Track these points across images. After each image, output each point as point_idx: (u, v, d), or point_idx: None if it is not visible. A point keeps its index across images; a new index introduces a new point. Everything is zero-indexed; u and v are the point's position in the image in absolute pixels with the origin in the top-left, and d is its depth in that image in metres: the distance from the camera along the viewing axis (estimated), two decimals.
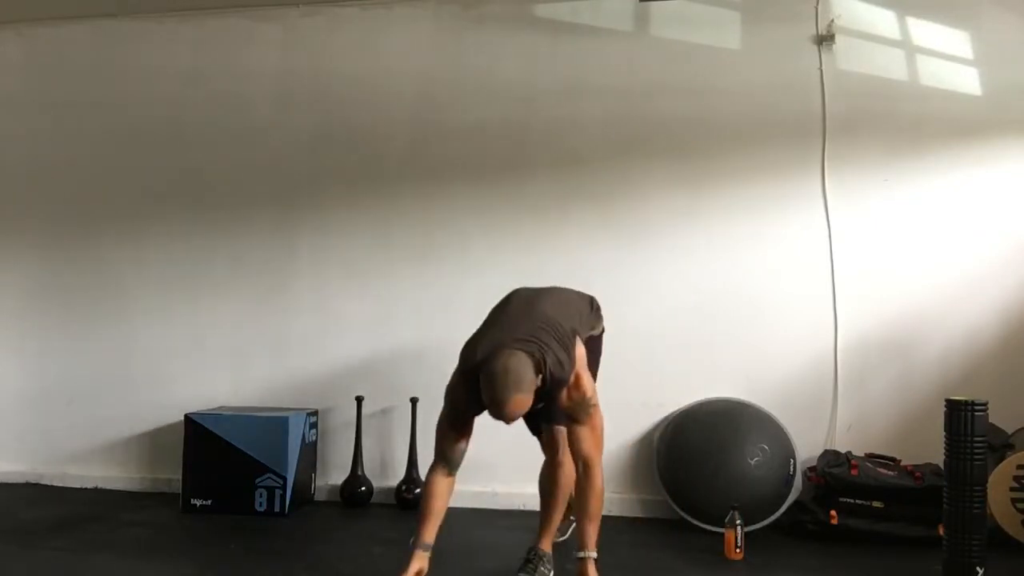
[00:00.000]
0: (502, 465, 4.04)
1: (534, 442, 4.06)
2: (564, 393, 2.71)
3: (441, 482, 2.79)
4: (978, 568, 2.71)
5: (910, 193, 3.91)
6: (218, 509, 3.87)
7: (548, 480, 3.08)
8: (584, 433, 2.76)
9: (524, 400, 2.55)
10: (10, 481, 4.40)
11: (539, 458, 4.09)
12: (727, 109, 4.03)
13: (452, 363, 2.88)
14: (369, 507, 4.06)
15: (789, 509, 3.66)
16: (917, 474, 3.49)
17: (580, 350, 2.78)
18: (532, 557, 3.00)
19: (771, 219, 4.00)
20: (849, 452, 3.69)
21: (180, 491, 3.95)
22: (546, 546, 3.03)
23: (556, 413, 2.87)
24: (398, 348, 4.16)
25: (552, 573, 2.99)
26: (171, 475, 4.15)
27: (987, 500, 2.82)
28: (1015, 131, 3.84)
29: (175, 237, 4.45)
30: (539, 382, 2.60)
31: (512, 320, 2.78)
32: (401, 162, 4.29)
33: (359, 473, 4.09)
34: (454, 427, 2.80)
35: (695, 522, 3.68)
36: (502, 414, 2.57)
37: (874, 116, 3.94)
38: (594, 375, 2.93)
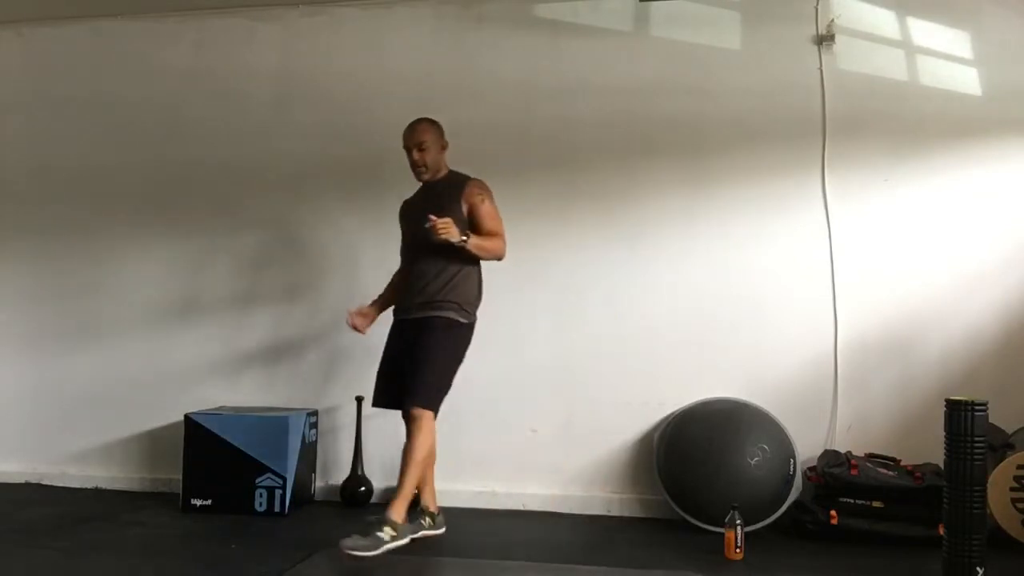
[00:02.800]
0: (501, 465, 4.05)
1: (533, 442, 4.09)
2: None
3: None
4: (978, 568, 2.71)
5: (910, 193, 3.91)
6: (218, 509, 3.87)
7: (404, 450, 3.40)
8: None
9: (431, 131, 3.51)
10: (10, 481, 4.40)
11: (538, 458, 4.12)
12: (727, 109, 4.03)
13: None
14: (369, 507, 4.05)
15: (789, 509, 3.66)
16: (917, 474, 3.49)
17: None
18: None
19: (771, 219, 4.00)
20: (849, 452, 3.69)
21: (180, 491, 3.94)
22: (396, 515, 3.24)
23: (412, 386, 3.34)
24: None
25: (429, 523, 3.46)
26: (171, 475, 4.15)
27: (987, 500, 2.81)
28: (1015, 131, 3.84)
29: (175, 237, 4.45)
30: (445, 141, 3.56)
31: None
32: (400, 162, 4.25)
33: (359, 473, 4.10)
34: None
35: (695, 522, 3.68)
36: (411, 128, 3.52)
37: (874, 116, 3.94)
38: (453, 370, 3.43)
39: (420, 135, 3.50)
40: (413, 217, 3.50)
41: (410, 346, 3.40)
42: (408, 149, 3.51)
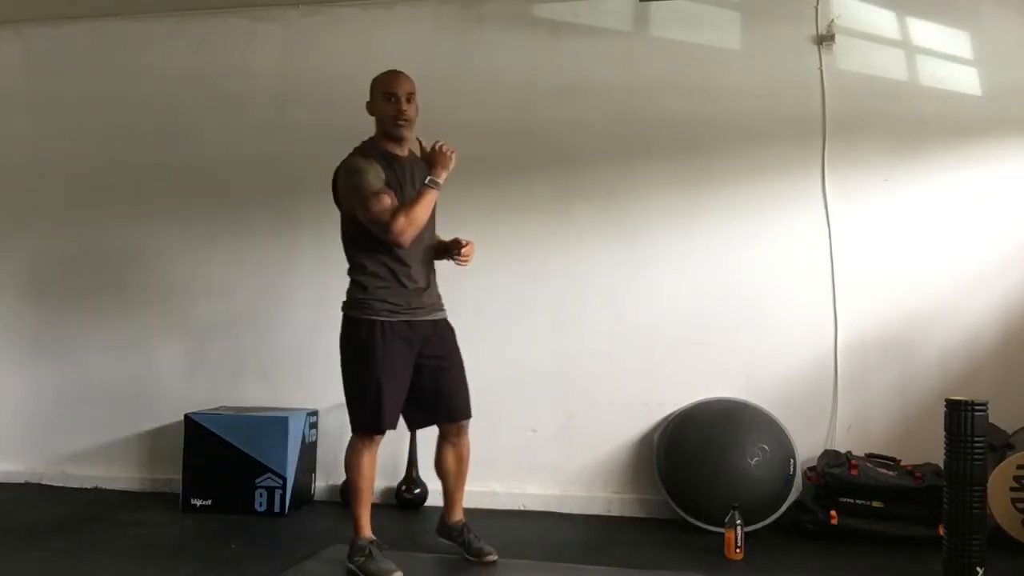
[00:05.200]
0: (501, 465, 4.05)
1: (533, 442, 4.10)
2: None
3: None
4: (978, 568, 2.71)
5: (910, 193, 3.91)
6: (218, 509, 3.87)
7: (456, 462, 3.24)
8: None
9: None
10: (10, 481, 4.40)
11: (538, 458, 4.11)
12: (727, 109, 4.02)
13: None
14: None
15: (789, 509, 3.66)
16: (917, 474, 3.49)
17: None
18: (463, 531, 3.21)
19: (771, 219, 4.00)
20: (849, 452, 3.69)
21: (180, 491, 3.95)
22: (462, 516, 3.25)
23: (465, 393, 3.17)
24: None
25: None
26: (171, 475, 4.15)
27: (987, 500, 2.81)
28: (1015, 131, 3.83)
29: (174, 237, 4.45)
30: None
31: None
32: None
33: None
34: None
35: (695, 522, 3.68)
36: (400, 74, 3.06)
37: (874, 116, 3.94)
38: None
39: (412, 85, 3.05)
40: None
41: (443, 349, 3.12)
42: (394, 96, 3.01)
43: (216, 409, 4.11)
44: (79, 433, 4.42)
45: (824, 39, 3.98)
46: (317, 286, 4.32)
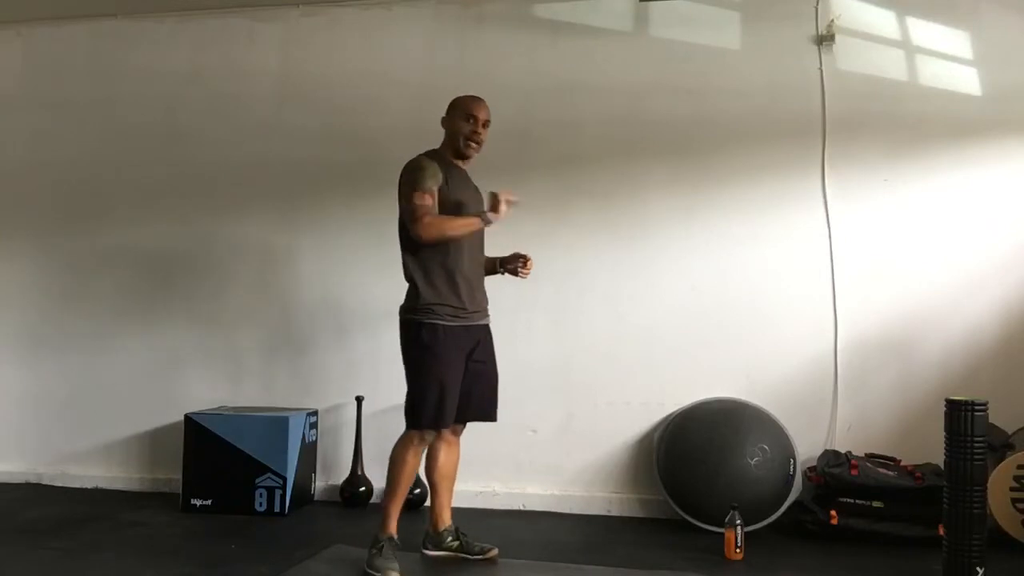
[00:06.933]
0: (501, 465, 4.05)
1: (534, 442, 4.10)
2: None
3: None
4: (978, 568, 2.70)
5: (910, 193, 3.91)
6: (218, 509, 3.87)
7: (454, 463, 3.32)
8: None
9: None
10: (10, 481, 4.41)
11: (538, 458, 4.11)
12: (727, 109, 4.03)
13: None
14: (369, 507, 4.05)
15: (789, 509, 3.66)
16: (917, 474, 3.49)
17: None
18: (458, 534, 3.26)
19: (771, 219, 4.00)
20: (849, 452, 3.69)
21: (180, 491, 3.95)
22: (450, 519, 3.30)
23: (489, 408, 3.27)
24: (398, 347, 4.15)
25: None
26: (171, 475, 4.16)
27: (987, 500, 2.81)
28: (1015, 131, 3.84)
29: (174, 237, 4.45)
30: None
31: None
32: (400, 162, 4.25)
33: (359, 473, 4.10)
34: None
35: (695, 522, 3.68)
36: (483, 102, 3.25)
37: (874, 116, 3.94)
38: None
39: (490, 114, 3.25)
40: (473, 203, 3.23)
41: (487, 353, 3.24)
42: (476, 119, 3.20)
43: (216, 409, 4.11)
44: (79, 433, 4.42)
45: (824, 39, 3.98)
46: (317, 286, 4.33)
